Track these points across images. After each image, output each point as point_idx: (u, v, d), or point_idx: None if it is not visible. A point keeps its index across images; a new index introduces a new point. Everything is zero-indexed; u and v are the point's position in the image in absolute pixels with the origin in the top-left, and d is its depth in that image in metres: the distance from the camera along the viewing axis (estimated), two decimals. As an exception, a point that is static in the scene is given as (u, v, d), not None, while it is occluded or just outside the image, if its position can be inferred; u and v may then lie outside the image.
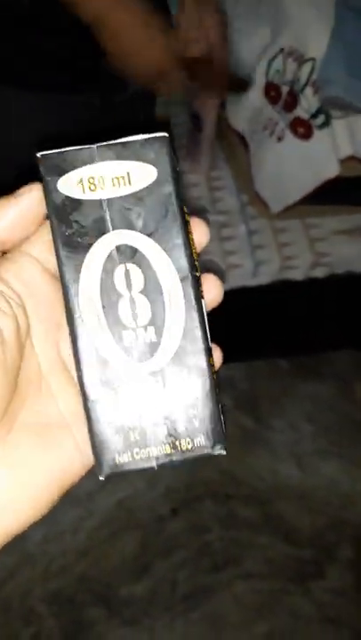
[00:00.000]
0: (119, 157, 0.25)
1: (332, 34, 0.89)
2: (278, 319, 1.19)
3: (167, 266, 0.25)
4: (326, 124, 0.93)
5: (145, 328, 0.25)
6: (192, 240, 0.26)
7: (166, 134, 0.26)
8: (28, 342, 0.26)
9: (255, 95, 1.01)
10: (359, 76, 0.88)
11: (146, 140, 0.26)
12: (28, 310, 0.26)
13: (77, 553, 1.11)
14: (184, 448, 0.26)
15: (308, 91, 0.92)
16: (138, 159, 0.25)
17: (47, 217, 0.26)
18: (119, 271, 0.25)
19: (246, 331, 1.21)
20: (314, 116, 0.93)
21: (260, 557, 1.11)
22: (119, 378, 0.25)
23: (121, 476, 0.25)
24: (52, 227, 0.25)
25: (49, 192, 0.25)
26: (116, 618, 1.05)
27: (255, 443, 1.23)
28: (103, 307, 0.25)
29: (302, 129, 0.94)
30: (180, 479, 1.18)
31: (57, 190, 0.25)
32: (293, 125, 0.95)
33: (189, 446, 0.26)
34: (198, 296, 0.26)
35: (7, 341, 0.24)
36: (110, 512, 1.15)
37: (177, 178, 0.26)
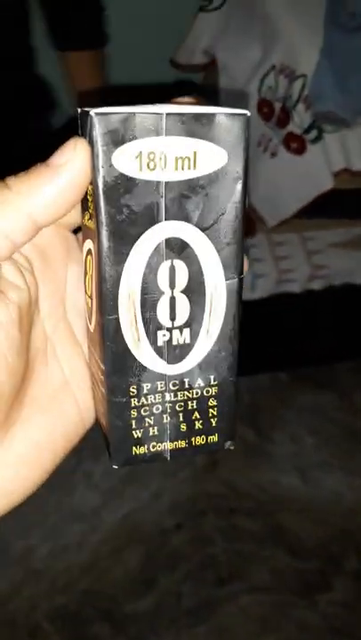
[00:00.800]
0: (189, 133, 0.21)
1: (321, 51, 0.91)
2: (277, 332, 1.20)
3: (216, 266, 0.23)
4: (319, 138, 0.94)
5: (180, 330, 0.23)
6: (245, 240, 0.23)
7: (247, 112, 0.22)
8: (36, 309, 0.24)
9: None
10: (349, 91, 0.89)
11: (224, 115, 0.21)
12: (35, 273, 0.24)
13: (82, 568, 1.11)
14: (197, 444, 0.25)
15: (301, 106, 0.93)
16: (210, 139, 0.21)
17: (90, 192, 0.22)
18: (164, 267, 0.22)
19: (245, 344, 1.22)
20: (307, 131, 0.94)
21: (264, 570, 1.11)
22: (146, 378, 0.24)
23: (133, 466, 0.25)
24: (97, 209, 0.21)
25: (100, 165, 0.21)
26: (121, 634, 1.05)
27: (257, 456, 1.24)
28: (142, 305, 0.22)
29: (296, 144, 0.96)
30: (184, 493, 1.19)
31: (111, 165, 0.21)
32: (287, 141, 0.96)
33: (202, 442, 0.25)
34: (240, 300, 0.24)
35: (24, 321, 0.22)
36: (115, 527, 1.15)
37: (247, 167, 0.22)
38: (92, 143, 0.21)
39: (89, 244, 0.23)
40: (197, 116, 0.21)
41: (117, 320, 0.22)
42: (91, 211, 0.22)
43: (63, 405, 0.25)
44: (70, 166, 0.21)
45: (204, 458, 1.22)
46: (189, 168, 0.21)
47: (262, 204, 1.06)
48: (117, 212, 0.21)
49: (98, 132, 0.20)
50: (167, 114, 0.21)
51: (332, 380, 1.33)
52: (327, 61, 0.91)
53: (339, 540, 1.14)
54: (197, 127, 0.21)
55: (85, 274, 0.25)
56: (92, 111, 0.20)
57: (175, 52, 1.18)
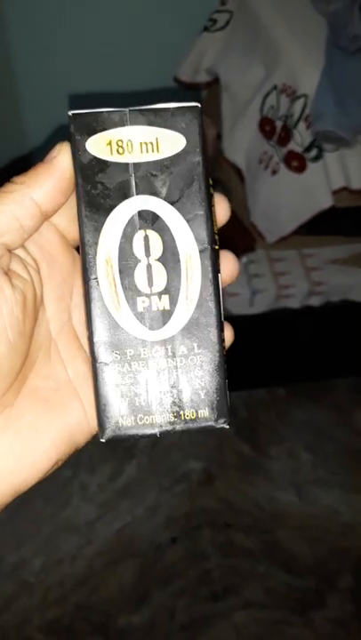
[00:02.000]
0: (149, 123, 0.25)
1: (322, 72, 0.92)
2: (275, 347, 1.21)
3: (187, 235, 0.25)
4: (319, 157, 0.96)
5: (159, 296, 0.25)
6: (214, 214, 0.26)
7: (198, 104, 0.26)
8: (41, 307, 0.26)
9: (250, 129, 1.05)
10: (349, 112, 0.91)
11: (177, 108, 0.25)
12: (42, 275, 0.26)
13: (76, 581, 1.10)
14: (187, 418, 0.26)
15: (302, 125, 0.95)
16: (168, 127, 0.25)
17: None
18: (138, 236, 0.25)
19: (244, 359, 1.23)
20: (307, 149, 0.96)
21: (259, 586, 1.10)
22: (129, 343, 0.25)
23: (121, 441, 0.25)
24: (76, 185, 0.25)
25: (77, 151, 0.25)
26: (115, 648, 1.05)
27: (254, 471, 1.23)
28: (120, 271, 0.25)
29: (296, 162, 0.97)
30: (180, 508, 1.18)
31: (85, 150, 0.25)
32: (287, 159, 0.98)
33: (193, 416, 0.26)
34: (215, 269, 0.26)
35: (28, 308, 0.25)
36: (109, 540, 1.14)
37: (205, 150, 0.26)
38: (70, 135, 0.25)
39: None
40: (156, 110, 0.25)
41: (97, 283, 0.25)
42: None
43: (65, 401, 0.27)
44: (60, 157, 0.25)
45: (200, 473, 1.22)
46: (153, 151, 0.25)
47: (262, 221, 1.07)
48: (92, 188, 0.25)
49: (74, 126, 0.25)
50: (130, 110, 0.25)
51: (330, 396, 1.34)
52: (328, 82, 0.93)
53: (334, 557, 1.14)
54: (156, 119, 0.25)
55: None
56: (70, 112, 0.25)
57: (179, 70, 1.20)
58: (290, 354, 1.24)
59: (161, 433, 0.26)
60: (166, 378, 0.25)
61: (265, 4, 1.04)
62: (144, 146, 0.25)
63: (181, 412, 0.26)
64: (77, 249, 0.28)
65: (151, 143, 0.25)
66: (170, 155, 0.25)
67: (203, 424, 0.26)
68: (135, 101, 0.28)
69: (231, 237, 1.13)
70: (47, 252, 0.27)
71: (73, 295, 0.28)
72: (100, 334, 0.25)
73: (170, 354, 0.25)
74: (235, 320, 1.03)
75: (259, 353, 1.22)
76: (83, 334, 0.28)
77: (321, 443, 1.27)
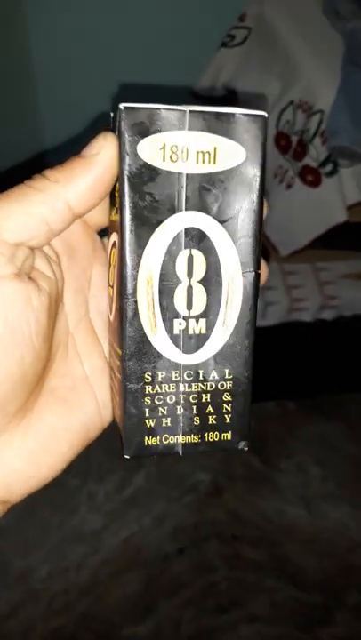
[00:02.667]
0: (209, 129, 0.23)
1: (339, 88, 0.93)
2: (287, 360, 1.21)
3: (233, 258, 0.24)
4: (334, 172, 0.97)
5: (197, 319, 0.24)
6: (262, 234, 0.25)
7: (265, 114, 0.23)
8: (60, 302, 0.25)
9: (266, 144, 1.06)
10: (365, 127, 0.92)
11: (243, 115, 0.23)
12: (62, 268, 0.25)
13: (81, 590, 1.10)
14: (211, 440, 0.25)
15: (317, 141, 0.96)
16: (228, 136, 0.23)
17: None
18: (182, 256, 0.23)
19: (255, 371, 1.23)
20: (322, 164, 0.97)
21: (266, 600, 1.10)
22: (162, 365, 0.24)
23: (145, 458, 0.25)
24: (121, 195, 0.23)
25: (126, 154, 0.22)
26: (119, 659, 1.04)
27: (263, 484, 1.23)
28: (160, 291, 0.23)
29: (311, 177, 0.98)
30: (187, 519, 1.18)
31: (136, 154, 0.22)
32: (303, 173, 0.99)
33: (216, 439, 0.25)
34: (256, 295, 0.24)
35: (52, 310, 0.24)
36: (115, 550, 1.14)
37: (264, 166, 0.24)
38: (120, 133, 0.22)
39: (114, 237, 0.25)
40: (218, 115, 0.23)
41: (136, 303, 0.23)
42: (117, 205, 0.23)
43: (81, 398, 0.26)
44: (102, 156, 0.23)
45: (208, 484, 1.22)
46: (210, 162, 0.23)
47: (276, 234, 1.08)
48: (140, 199, 0.23)
49: (125, 123, 0.22)
50: (190, 111, 0.22)
51: (341, 410, 1.33)
52: (344, 99, 0.94)
53: (343, 573, 1.13)
54: (218, 125, 0.23)
55: (110, 265, 0.26)
56: (121, 105, 0.22)
57: (196, 84, 1.21)
58: (301, 367, 1.24)
59: (184, 453, 0.25)
60: (196, 401, 0.25)
61: (283, 21, 1.06)
62: (200, 155, 0.23)
63: (205, 434, 0.25)
64: (99, 233, 0.27)
65: (208, 153, 0.23)
66: (226, 168, 0.23)
67: (225, 446, 0.26)
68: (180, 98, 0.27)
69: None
70: (68, 243, 0.25)
71: (91, 285, 0.27)
72: (133, 355, 0.24)
73: (201, 378, 0.25)
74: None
75: (270, 366, 1.22)
76: (100, 327, 0.27)
77: (331, 457, 1.27)
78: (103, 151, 0.23)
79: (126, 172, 0.22)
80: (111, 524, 1.17)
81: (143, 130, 0.22)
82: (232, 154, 0.23)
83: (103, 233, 0.27)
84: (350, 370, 1.26)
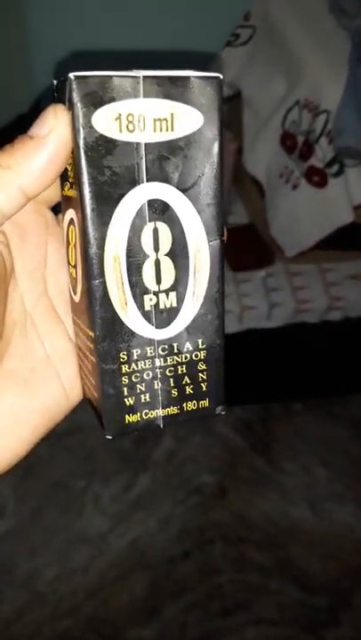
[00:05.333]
0: (166, 96, 0.22)
1: (345, 87, 0.92)
2: (293, 361, 1.20)
3: (197, 227, 0.23)
4: (340, 172, 0.96)
5: (167, 293, 0.23)
6: (224, 202, 0.24)
7: (220, 75, 0.22)
8: (13, 282, 0.24)
9: (272, 144, 1.05)
10: (372, 128, 0.91)
11: (198, 78, 0.22)
12: (12, 248, 0.24)
13: (87, 593, 1.10)
14: (189, 409, 0.25)
15: (323, 141, 0.95)
16: (185, 101, 0.22)
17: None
18: (147, 229, 0.22)
19: (261, 373, 1.22)
20: (328, 164, 0.96)
21: (271, 603, 1.09)
22: (136, 343, 0.24)
23: (127, 435, 0.25)
24: (79, 171, 0.21)
25: (80, 127, 0.21)
26: (125, 661, 1.04)
27: (268, 485, 1.23)
28: (128, 268, 0.23)
29: (317, 177, 0.97)
30: (193, 521, 1.18)
31: (91, 126, 0.21)
32: (309, 174, 0.98)
33: (194, 407, 0.25)
34: (222, 262, 0.24)
35: None
36: (121, 552, 1.14)
37: (222, 130, 0.23)
38: (71, 106, 0.21)
39: (71, 214, 0.24)
40: (173, 79, 0.22)
41: (104, 283, 0.22)
42: (71, 179, 0.22)
43: (43, 379, 0.25)
44: (54, 135, 0.21)
45: (213, 486, 1.22)
46: (167, 130, 0.22)
47: (282, 235, 1.07)
48: (99, 174, 0.21)
49: (77, 94, 0.21)
50: (144, 77, 0.21)
51: (346, 411, 1.33)
52: (351, 98, 0.93)
53: (348, 574, 1.13)
54: (173, 90, 0.22)
55: (68, 244, 0.25)
56: (71, 74, 0.21)
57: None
58: (307, 369, 1.23)
59: (165, 425, 0.25)
60: (172, 374, 0.25)
61: (288, 20, 1.05)
62: (158, 123, 0.22)
63: (184, 405, 0.25)
64: (53, 209, 0.26)
65: (166, 120, 0.22)
66: (185, 134, 0.22)
67: (203, 413, 0.26)
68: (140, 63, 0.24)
69: (250, 250, 1.13)
70: (16, 222, 0.24)
71: (47, 262, 0.26)
72: (106, 336, 0.23)
73: (176, 351, 0.25)
74: (252, 334, 1.03)
75: (275, 367, 1.22)
76: (60, 305, 0.26)
77: (336, 458, 1.26)
78: (55, 130, 0.21)
79: (82, 147, 0.21)
80: (117, 527, 1.17)
81: (96, 100, 0.21)
82: (190, 119, 0.22)
83: (56, 208, 0.26)
84: (356, 371, 1.26)
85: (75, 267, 0.24)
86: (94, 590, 1.10)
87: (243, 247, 1.13)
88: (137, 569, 1.12)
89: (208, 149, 0.22)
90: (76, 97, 0.21)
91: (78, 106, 0.21)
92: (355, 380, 1.29)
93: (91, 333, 0.23)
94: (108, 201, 0.22)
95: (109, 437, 0.24)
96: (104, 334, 0.23)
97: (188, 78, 0.22)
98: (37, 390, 0.25)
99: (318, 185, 0.98)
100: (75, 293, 0.25)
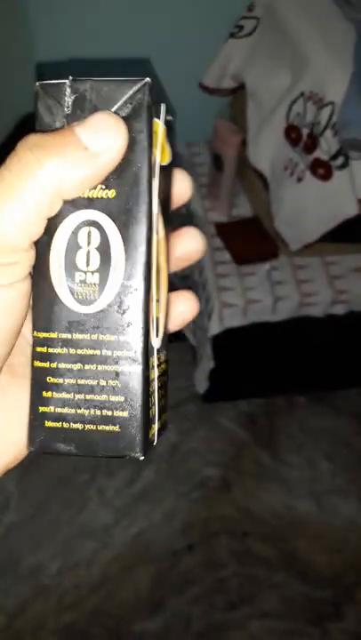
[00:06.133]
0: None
1: (351, 79, 0.92)
2: (297, 355, 1.20)
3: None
4: (345, 165, 0.95)
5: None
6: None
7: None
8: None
9: (276, 136, 1.04)
10: (378, 120, 0.90)
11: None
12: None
13: (91, 586, 1.10)
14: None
15: (328, 133, 0.94)
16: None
17: None
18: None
19: (265, 366, 1.22)
20: (333, 157, 0.95)
21: (276, 596, 1.09)
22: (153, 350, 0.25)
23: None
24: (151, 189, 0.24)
25: (155, 145, 0.24)
26: (129, 654, 1.04)
27: (272, 479, 1.23)
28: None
29: (322, 170, 0.96)
30: (197, 514, 1.18)
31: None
32: (313, 166, 0.97)
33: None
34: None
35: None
36: (126, 546, 1.14)
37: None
38: (144, 117, 0.23)
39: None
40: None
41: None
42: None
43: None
44: (109, 155, 0.22)
45: (217, 480, 1.22)
46: None
47: (286, 228, 1.06)
48: None
49: (149, 101, 0.23)
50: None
51: (351, 405, 1.32)
52: (356, 90, 0.92)
53: (352, 568, 1.13)
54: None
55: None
56: (144, 79, 0.23)
57: (204, 75, 1.19)
58: (311, 362, 1.23)
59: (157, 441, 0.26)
60: (161, 386, 0.27)
61: (293, 11, 1.04)
62: None
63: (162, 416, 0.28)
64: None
65: None
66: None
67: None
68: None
69: (255, 244, 1.12)
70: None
71: None
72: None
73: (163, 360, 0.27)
74: (257, 327, 1.02)
75: (280, 360, 1.21)
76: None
77: (340, 451, 1.26)
78: (112, 152, 0.22)
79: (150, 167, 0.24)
80: (121, 520, 1.17)
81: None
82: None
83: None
84: (360, 364, 1.26)
85: None
86: (98, 584, 1.10)
87: (247, 240, 1.13)
88: (141, 562, 1.12)
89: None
90: (149, 105, 0.23)
91: (152, 117, 0.24)
92: (359, 374, 1.29)
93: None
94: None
95: (142, 459, 0.25)
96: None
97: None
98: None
99: (323, 178, 0.97)
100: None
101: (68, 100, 0.23)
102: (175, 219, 0.28)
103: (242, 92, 1.15)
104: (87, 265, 0.24)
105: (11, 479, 1.20)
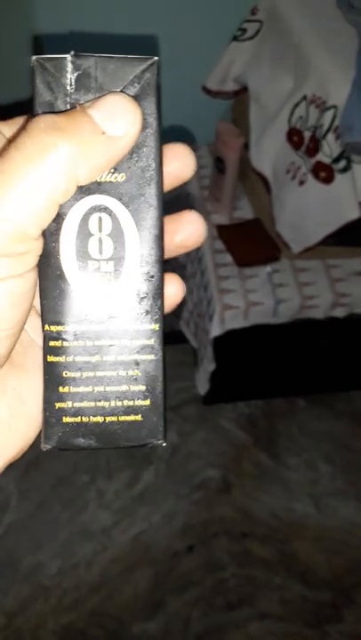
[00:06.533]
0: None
1: (353, 83, 0.92)
2: (297, 358, 1.20)
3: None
4: (348, 168, 0.95)
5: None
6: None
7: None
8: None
9: (278, 139, 1.04)
10: (380, 124, 0.90)
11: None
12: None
13: (91, 587, 1.10)
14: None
15: (331, 137, 0.95)
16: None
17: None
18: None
19: (266, 368, 1.22)
20: (336, 160, 0.95)
21: (275, 598, 1.10)
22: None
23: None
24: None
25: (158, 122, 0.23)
26: (129, 655, 1.04)
27: (272, 481, 1.23)
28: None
29: (324, 173, 0.97)
30: (197, 516, 1.18)
31: None
32: (315, 170, 0.97)
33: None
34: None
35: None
36: (125, 547, 1.14)
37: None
38: (149, 96, 0.22)
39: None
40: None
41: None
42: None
43: (37, 361, 0.25)
44: (127, 139, 0.21)
45: (217, 481, 1.22)
46: None
47: (288, 230, 1.07)
48: None
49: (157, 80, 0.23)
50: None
51: (350, 407, 1.33)
52: (358, 94, 0.92)
53: (352, 570, 1.13)
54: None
55: None
56: (151, 58, 0.22)
57: (207, 78, 1.20)
58: (311, 364, 1.23)
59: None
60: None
61: (295, 15, 1.04)
62: None
63: None
64: None
65: None
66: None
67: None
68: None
69: (256, 246, 1.13)
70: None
71: None
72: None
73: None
74: (258, 330, 1.02)
75: (281, 363, 1.22)
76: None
77: (340, 454, 1.27)
78: (129, 137, 0.21)
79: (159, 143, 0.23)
80: (121, 521, 1.17)
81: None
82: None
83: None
84: (360, 367, 1.26)
85: None
86: (98, 584, 1.10)
87: (249, 243, 1.13)
88: (141, 563, 1.13)
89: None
90: (158, 85, 0.22)
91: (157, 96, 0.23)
92: (359, 377, 1.29)
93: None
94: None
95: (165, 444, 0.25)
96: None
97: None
98: (35, 372, 0.25)
99: (325, 181, 0.97)
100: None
101: (71, 76, 0.22)
102: (175, 203, 0.27)
103: (244, 95, 1.16)
104: (100, 253, 0.23)
105: (11, 479, 1.20)
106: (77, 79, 0.22)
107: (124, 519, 1.17)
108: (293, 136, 1.01)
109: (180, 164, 0.24)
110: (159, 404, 0.24)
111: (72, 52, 0.22)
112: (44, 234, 0.22)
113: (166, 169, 0.24)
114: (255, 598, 1.10)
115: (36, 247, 0.21)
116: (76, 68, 0.22)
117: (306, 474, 1.24)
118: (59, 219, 0.23)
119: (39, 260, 0.22)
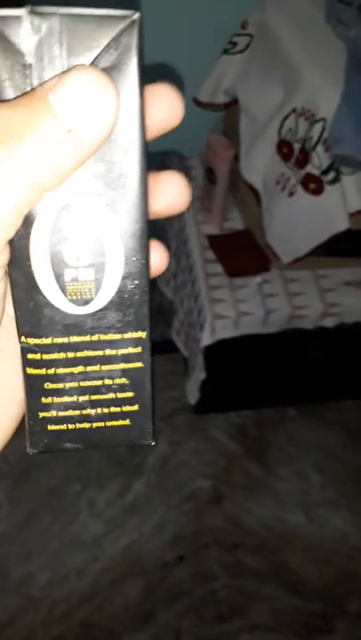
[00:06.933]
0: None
1: (342, 96, 0.93)
2: (287, 367, 1.21)
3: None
4: (337, 179, 0.96)
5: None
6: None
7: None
8: None
9: (268, 151, 1.05)
10: (368, 136, 0.92)
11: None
12: None
13: (81, 598, 1.09)
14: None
15: (320, 149, 0.96)
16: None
17: None
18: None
19: (256, 378, 1.23)
20: (325, 172, 0.96)
21: (266, 608, 1.09)
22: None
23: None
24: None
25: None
26: (119, 667, 1.04)
27: (262, 491, 1.23)
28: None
29: (313, 185, 0.98)
30: (188, 526, 1.18)
31: None
32: (305, 181, 0.98)
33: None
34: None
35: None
36: (116, 557, 1.14)
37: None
38: (130, 63, 0.18)
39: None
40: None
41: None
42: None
43: (10, 345, 0.22)
44: (98, 136, 0.17)
45: (208, 492, 1.22)
46: None
47: (277, 241, 1.07)
48: None
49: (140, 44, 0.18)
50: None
51: (340, 417, 1.33)
52: (347, 107, 0.94)
53: (343, 580, 1.13)
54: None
55: None
56: (125, 12, 0.17)
57: (198, 91, 1.21)
58: (301, 374, 1.24)
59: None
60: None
61: (285, 29, 1.06)
62: None
63: None
64: None
65: None
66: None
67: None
68: None
69: (247, 257, 1.14)
70: None
71: None
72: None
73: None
74: (248, 340, 1.03)
75: (270, 373, 1.22)
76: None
77: (330, 464, 1.27)
78: (103, 129, 0.17)
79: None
80: (111, 532, 1.17)
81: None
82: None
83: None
84: (350, 377, 1.27)
85: None
86: (89, 595, 1.10)
87: (239, 253, 1.14)
88: (131, 574, 1.12)
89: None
90: (141, 51, 0.17)
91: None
92: (349, 386, 1.30)
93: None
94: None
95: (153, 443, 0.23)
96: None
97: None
98: (14, 357, 0.23)
99: (314, 192, 0.99)
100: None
101: (29, 41, 0.17)
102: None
103: (235, 107, 1.17)
104: (78, 259, 0.20)
105: (1, 489, 1.20)
106: (38, 46, 0.17)
107: (114, 529, 1.17)
108: (283, 148, 1.03)
109: (165, 109, 0.20)
110: (147, 408, 0.23)
111: (28, 8, 0.17)
112: (12, 242, 0.20)
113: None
114: (246, 609, 1.09)
115: (1, 259, 0.19)
116: (35, 30, 0.17)
117: (296, 484, 1.24)
118: (27, 222, 0.19)
119: (9, 270, 0.20)
